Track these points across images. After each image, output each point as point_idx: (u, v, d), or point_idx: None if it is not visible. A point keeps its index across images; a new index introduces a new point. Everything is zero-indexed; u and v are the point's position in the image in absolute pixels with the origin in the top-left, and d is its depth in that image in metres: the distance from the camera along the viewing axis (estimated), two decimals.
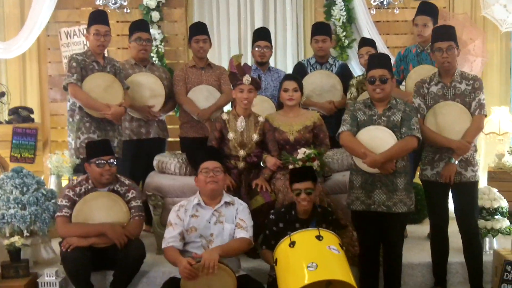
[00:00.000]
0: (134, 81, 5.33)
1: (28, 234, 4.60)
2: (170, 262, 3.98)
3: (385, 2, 6.66)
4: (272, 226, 4.16)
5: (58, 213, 4.30)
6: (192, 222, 4.03)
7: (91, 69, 4.93)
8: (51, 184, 5.76)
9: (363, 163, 4.08)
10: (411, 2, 6.75)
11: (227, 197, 4.15)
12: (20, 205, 4.59)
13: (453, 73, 4.31)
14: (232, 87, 4.81)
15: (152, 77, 5.42)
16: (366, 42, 5.52)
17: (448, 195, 4.43)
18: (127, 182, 4.46)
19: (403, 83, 5.36)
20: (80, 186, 4.36)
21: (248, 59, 6.42)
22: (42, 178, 5.06)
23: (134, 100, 5.29)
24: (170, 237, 3.99)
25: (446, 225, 4.46)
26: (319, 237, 3.67)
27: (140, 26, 5.47)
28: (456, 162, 4.22)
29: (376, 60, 4.24)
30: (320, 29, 5.69)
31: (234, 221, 4.07)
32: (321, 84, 5.54)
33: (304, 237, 3.72)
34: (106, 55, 5.10)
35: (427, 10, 5.32)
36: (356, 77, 5.54)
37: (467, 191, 4.33)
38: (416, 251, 4.93)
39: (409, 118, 4.11)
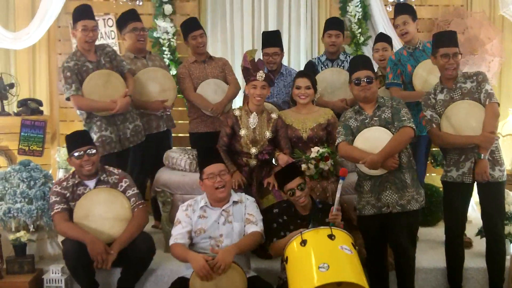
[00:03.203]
0: (143, 78, 5.26)
1: (34, 229, 4.58)
2: (179, 258, 3.91)
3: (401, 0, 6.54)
4: (278, 218, 4.12)
5: (51, 212, 4.24)
6: (200, 223, 3.97)
7: (86, 70, 4.81)
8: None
9: (366, 167, 4.02)
10: (429, 0, 6.66)
11: (235, 196, 4.08)
12: (26, 199, 4.55)
13: (455, 76, 4.27)
14: (245, 82, 4.75)
15: (160, 71, 5.36)
16: (383, 38, 5.49)
17: (470, 197, 4.38)
18: (116, 171, 4.37)
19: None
20: (67, 180, 4.29)
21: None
22: (50, 172, 5.04)
23: (145, 96, 5.25)
24: (178, 233, 3.93)
25: (463, 230, 4.40)
26: (331, 236, 3.60)
27: (132, 16, 5.37)
28: (486, 157, 4.13)
29: (360, 62, 4.24)
30: (334, 24, 5.64)
31: (243, 218, 4.01)
32: (332, 81, 5.46)
33: (316, 235, 3.64)
34: (95, 49, 4.95)
35: (404, 9, 5.27)
36: None
37: (494, 192, 4.25)
38: (430, 254, 4.83)
39: (398, 111, 4.09)
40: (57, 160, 6.07)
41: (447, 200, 4.42)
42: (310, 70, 5.48)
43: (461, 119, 4.18)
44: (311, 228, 3.73)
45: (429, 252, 4.89)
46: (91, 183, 4.29)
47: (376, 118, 4.12)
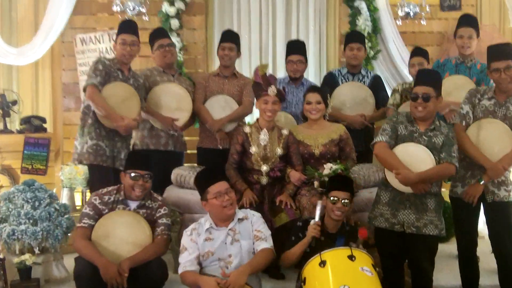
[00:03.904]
0: (163, 89, 5.23)
1: (39, 252, 4.45)
2: (190, 285, 3.77)
3: (411, 13, 6.54)
4: (298, 232, 4.02)
5: (78, 223, 4.11)
6: (207, 246, 3.83)
7: (115, 76, 4.85)
8: (64, 198, 5.67)
9: (395, 179, 3.90)
10: (439, 13, 6.72)
11: (239, 213, 3.95)
12: (31, 221, 4.44)
13: (510, 93, 4.12)
14: (256, 98, 4.66)
15: (183, 90, 5.29)
16: (419, 52, 5.35)
17: (478, 214, 4.26)
18: (160, 198, 4.32)
19: None
20: (110, 195, 4.18)
21: (271, 71, 6.33)
22: (54, 191, 4.92)
23: (158, 107, 5.18)
24: (187, 261, 3.80)
25: (475, 247, 4.28)
26: (351, 257, 3.49)
27: (159, 34, 5.38)
28: (483, 182, 4.04)
29: (423, 77, 4.06)
30: (355, 37, 5.60)
31: (251, 235, 3.87)
32: (352, 96, 5.39)
33: (336, 256, 3.54)
34: (131, 68, 5.03)
35: (472, 22, 5.15)
36: (403, 83, 5.44)
37: (501, 212, 4.12)
38: (445, 272, 4.71)
39: (451, 144, 3.94)
40: (61, 179, 5.95)
41: (455, 216, 4.32)
42: (330, 82, 5.49)
43: (490, 138, 4.05)
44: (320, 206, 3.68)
45: (445, 269, 4.78)
46: (133, 205, 4.20)
47: (425, 138, 3.97)
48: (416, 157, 3.91)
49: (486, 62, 4.18)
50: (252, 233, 3.87)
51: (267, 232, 3.89)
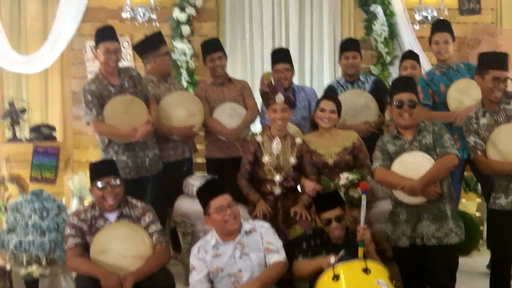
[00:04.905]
0: (169, 101, 5.11)
1: (47, 263, 4.46)
2: None
3: (429, 17, 6.42)
4: (310, 240, 3.97)
5: (65, 246, 4.00)
6: (215, 263, 3.77)
7: (108, 95, 4.70)
8: (73, 208, 5.66)
9: (404, 194, 3.85)
10: (457, 17, 6.60)
11: (246, 225, 3.87)
12: (39, 231, 4.44)
13: (496, 100, 4.07)
14: (265, 108, 4.61)
15: (187, 95, 5.28)
16: (411, 55, 5.38)
17: None
18: (139, 204, 4.10)
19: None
20: (86, 212, 4.02)
21: None
22: (63, 201, 4.93)
23: (171, 121, 5.10)
24: (195, 281, 3.75)
25: (510, 263, 4.12)
26: (366, 270, 3.37)
27: (162, 40, 5.26)
28: None
29: (403, 84, 4.07)
30: (350, 45, 5.51)
31: (261, 247, 3.79)
32: (353, 104, 5.26)
33: (349, 270, 3.42)
34: (120, 71, 4.86)
35: (446, 27, 5.13)
36: None
37: None
38: (469, 286, 4.60)
39: (440, 136, 3.93)
40: (71, 189, 5.93)
41: (493, 229, 4.21)
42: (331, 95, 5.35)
43: (509, 144, 3.95)
44: (342, 253, 3.52)
45: (468, 283, 4.65)
46: (111, 217, 4.03)
47: (416, 144, 3.94)
48: (415, 164, 3.87)
49: (479, 68, 4.14)
50: (262, 245, 3.80)
51: (278, 244, 3.82)
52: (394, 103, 3.94)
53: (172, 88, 5.25)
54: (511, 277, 4.16)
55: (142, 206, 4.09)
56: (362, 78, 5.50)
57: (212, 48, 5.29)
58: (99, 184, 3.95)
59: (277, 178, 4.52)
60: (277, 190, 4.54)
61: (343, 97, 5.23)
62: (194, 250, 3.84)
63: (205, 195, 3.88)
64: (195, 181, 5.01)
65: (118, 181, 3.99)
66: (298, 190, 4.66)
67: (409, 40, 6.40)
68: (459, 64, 5.07)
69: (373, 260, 3.59)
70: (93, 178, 4.02)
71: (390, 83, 4.23)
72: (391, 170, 3.91)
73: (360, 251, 3.60)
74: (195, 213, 4.68)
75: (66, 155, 6.27)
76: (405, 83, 4.05)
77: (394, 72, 6.36)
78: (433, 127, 3.98)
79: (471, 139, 4.07)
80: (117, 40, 4.73)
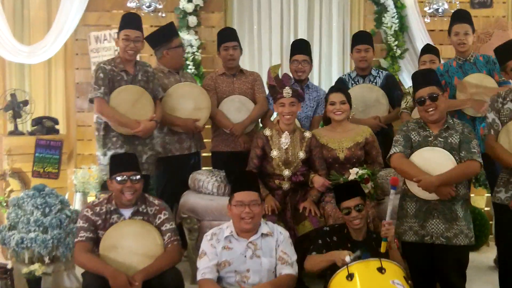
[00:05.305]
0: (177, 91, 5.04)
1: (49, 261, 4.37)
2: None
3: (440, 10, 6.34)
4: (325, 237, 3.91)
5: (75, 238, 3.94)
6: (224, 255, 3.70)
7: (119, 80, 4.67)
8: (76, 203, 5.62)
9: (418, 188, 3.78)
10: (469, 10, 6.35)
11: (264, 227, 3.78)
12: (41, 228, 4.34)
13: None
14: (273, 101, 4.55)
15: (197, 87, 5.16)
16: (430, 50, 5.25)
17: None
18: (156, 202, 4.06)
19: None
20: (101, 205, 3.97)
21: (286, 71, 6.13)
22: (66, 196, 4.92)
23: (177, 112, 5.03)
24: (206, 267, 3.66)
25: None
26: (381, 269, 3.34)
27: (175, 32, 5.23)
28: None
29: (421, 78, 3.99)
30: (362, 38, 5.44)
31: (274, 254, 3.72)
32: (364, 99, 5.23)
33: (364, 269, 3.40)
34: (136, 62, 4.85)
35: (467, 18, 5.04)
36: None
37: None
38: (478, 283, 4.54)
39: (469, 140, 3.84)
40: (74, 183, 5.87)
41: (497, 223, 4.21)
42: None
43: None
44: (358, 254, 3.50)
45: (477, 281, 4.59)
46: (127, 213, 3.97)
47: (441, 139, 3.85)
48: (435, 160, 3.81)
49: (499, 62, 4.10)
50: (275, 252, 3.74)
51: (293, 257, 3.75)
52: (416, 101, 3.89)
53: (182, 81, 5.18)
54: None
55: (158, 203, 4.05)
56: (374, 72, 5.44)
57: (227, 37, 5.23)
58: (119, 177, 3.90)
59: (286, 173, 4.45)
60: (286, 185, 4.49)
61: (354, 90, 5.22)
62: (208, 236, 3.78)
63: (234, 185, 3.85)
64: (201, 176, 4.99)
65: (138, 177, 3.95)
66: (307, 186, 4.59)
67: (419, 33, 6.33)
68: (478, 56, 4.99)
69: (392, 258, 3.57)
70: (113, 171, 3.97)
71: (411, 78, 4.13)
72: (410, 160, 3.85)
73: (383, 246, 3.57)
74: (202, 209, 4.71)
75: (69, 149, 6.24)
76: (424, 77, 3.97)
77: (404, 65, 6.34)
78: (462, 128, 3.90)
79: (491, 116, 4.00)
80: (139, 29, 4.71)
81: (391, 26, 6.30)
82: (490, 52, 5.22)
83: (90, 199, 5.74)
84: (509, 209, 3.93)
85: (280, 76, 4.43)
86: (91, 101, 4.63)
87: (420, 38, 6.29)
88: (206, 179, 4.95)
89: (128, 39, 4.62)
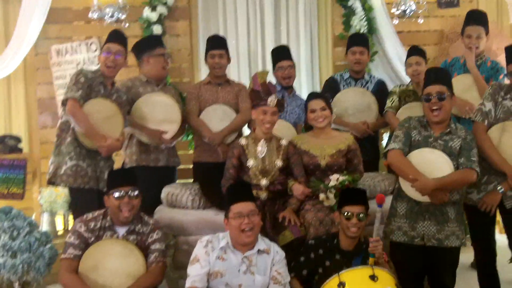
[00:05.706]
0: (148, 100, 4.94)
1: (20, 287, 4.27)
2: None
3: (408, 11, 6.38)
4: (310, 252, 3.83)
5: (63, 254, 3.80)
6: (217, 265, 3.62)
7: (96, 91, 4.58)
8: (44, 223, 5.45)
9: (411, 188, 3.73)
10: (436, 11, 6.61)
11: (261, 244, 3.71)
12: (9, 253, 4.24)
13: None
14: (253, 107, 4.41)
15: (171, 99, 5.02)
16: (416, 51, 5.18)
17: (495, 223, 4.13)
18: (150, 221, 4.00)
19: None
20: (96, 221, 3.86)
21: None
22: (34, 216, 4.68)
23: (144, 120, 4.91)
24: (197, 275, 3.59)
25: (495, 256, 4.12)
26: (373, 277, 3.31)
27: (158, 43, 5.20)
28: (502, 191, 3.91)
29: (433, 75, 3.89)
30: (358, 40, 5.44)
31: (268, 272, 3.67)
32: (355, 103, 5.21)
33: (356, 277, 3.37)
34: (114, 83, 4.80)
35: (481, 19, 4.94)
36: (400, 85, 5.31)
37: None
38: (461, 284, 4.34)
39: (470, 148, 3.79)
40: (40, 203, 5.69)
41: (471, 225, 4.18)
42: (332, 88, 5.31)
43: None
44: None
45: (460, 281, 4.35)
46: (121, 230, 3.89)
47: (441, 142, 3.81)
48: (433, 163, 3.75)
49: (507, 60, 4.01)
50: (269, 270, 3.69)
51: (287, 278, 3.72)
52: (423, 97, 3.85)
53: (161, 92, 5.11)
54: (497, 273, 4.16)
55: (153, 223, 4.03)
56: (367, 77, 5.44)
57: (214, 45, 5.16)
58: (117, 193, 3.82)
59: (263, 182, 4.36)
60: (264, 195, 4.39)
61: (346, 93, 5.25)
62: (203, 242, 3.70)
63: (229, 197, 3.78)
64: (175, 190, 4.87)
65: (136, 192, 3.89)
66: (285, 195, 4.51)
67: (388, 35, 6.35)
68: (486, 61, 4.94)
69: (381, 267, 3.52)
70: (111, 186, 3.91)
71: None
72: (408, 159, 3.79)
73: (371, 261, 3.50)
74: (177, 224, 4.59)
75: (34, 167, 6.11)
76: (436, 75, 3.90)
77: (374, 68, 6.34)
78: (465, 134, 3.85)
79: (488, 105, 3.98)
80: (122, 45, 4.68)
81: (360, 29, 6.30)
82: (459, 53, 5.25)
83: (58, 218, 5.60)
84: (481, 211, 3.96)
85: (267, 83, 4.35)
86: (64, 103, 4.49)
87: (389, 40, 6.31)
88: (180, 192, 4.83)
89: (109, 51, 4.58)
